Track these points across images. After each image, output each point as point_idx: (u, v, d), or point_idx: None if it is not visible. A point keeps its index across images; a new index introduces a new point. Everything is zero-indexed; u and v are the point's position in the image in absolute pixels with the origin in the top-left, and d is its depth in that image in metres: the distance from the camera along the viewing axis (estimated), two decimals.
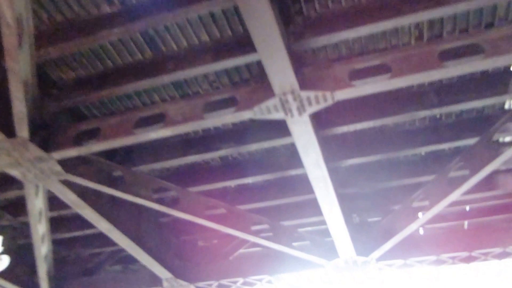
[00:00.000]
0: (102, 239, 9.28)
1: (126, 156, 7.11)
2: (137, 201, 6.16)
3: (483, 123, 6.50)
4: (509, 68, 5.57)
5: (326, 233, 8.22)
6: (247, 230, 7.07)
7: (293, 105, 4.04)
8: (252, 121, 6.23)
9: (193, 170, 7.66)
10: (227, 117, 4.45)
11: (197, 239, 9.24)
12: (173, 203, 6.47)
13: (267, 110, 4.16)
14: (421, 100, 5.98)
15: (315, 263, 8.07)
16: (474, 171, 5.76)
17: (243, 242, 8.87)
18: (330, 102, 4.03)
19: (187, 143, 6.89)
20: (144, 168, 7.03)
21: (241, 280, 8.52)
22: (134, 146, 7.04)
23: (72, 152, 5.01)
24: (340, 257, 7.60)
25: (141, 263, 8.36)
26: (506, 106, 6.30)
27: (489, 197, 8.07)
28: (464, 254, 7.70)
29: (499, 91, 5.70)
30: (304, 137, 4.86)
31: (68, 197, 6.06)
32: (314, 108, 4.17)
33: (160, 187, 6.49)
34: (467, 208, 8.04)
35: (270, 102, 4.13)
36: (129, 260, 9.64)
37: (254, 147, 6.55)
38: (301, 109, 4.11)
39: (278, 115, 4.25)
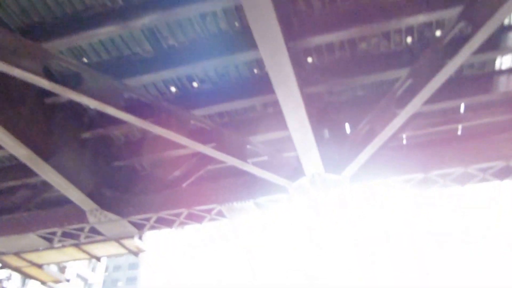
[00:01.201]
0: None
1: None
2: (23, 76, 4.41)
3: None
4: None
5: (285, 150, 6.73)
6: (190, 136, 5.48)
7: None
8: None
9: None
10: None
11: (135, 165, 7.57)
12: (76, 82, 4.76)
13: None
14: None
15: (275, 186, 6.56)
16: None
17: (191, 171, 7.27)
18: None
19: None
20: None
21: (185, 212, 6.96)
22: None
23: None
24: (306, 175, 6.09)
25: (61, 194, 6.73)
26: None
27: (488, 104, 6.67)
28: (458, 170, 6.29)
29: None
30: None
31: None
32: None
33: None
34: (461, 109, 6.58)
35: None
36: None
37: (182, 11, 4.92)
38: None
39: None
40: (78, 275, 44.33)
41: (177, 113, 5.66)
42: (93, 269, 47.68)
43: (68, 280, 9.97)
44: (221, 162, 7.13)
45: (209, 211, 6.91)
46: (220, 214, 6.96)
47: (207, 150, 5.63)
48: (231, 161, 5.84)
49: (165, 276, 66.64)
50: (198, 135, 5.79)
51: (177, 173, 7.23)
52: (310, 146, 5.57)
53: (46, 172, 6.03)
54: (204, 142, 5.66)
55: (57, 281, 9.50)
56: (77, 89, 4.72)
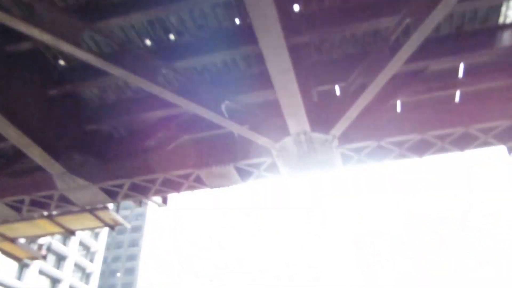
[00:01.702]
0: None
1: None
2: None
3: None
4: None
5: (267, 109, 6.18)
6: (154, 79, 4.95)
7: None
8: None
9: None
10: None
11: (109, 129, 7.03)
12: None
13: None
14: None
15: (257, 149, 6.03)
16: None
17: (170, 137, 6.74)
18: None
19: None
20: None
21: (161, 177, 6.43)
22: None
23: None
24: (291, 134, 5.55)
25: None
26: None
27: (488, 63, 6.09)
28: (458, 131, 5.73)
29: None
30: None
31: None
32: None
33: None
34: (461, 66, 6.00)
35: None
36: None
37: None
38: None
39: None
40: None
41: (149, 62, 5.14)
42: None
43: (44, 257, 9.43)
44: (202, 129, 6.64)
45: (186, 177, 6.39)
46: (199, 180, 6.43)
47: (181, 101, 5.10)
48: (208, 115, 5.31)
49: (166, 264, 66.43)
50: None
51: (154, 138, 6.71)
52: (297, 107, 5.05)
53: (5, 128, 5.51)
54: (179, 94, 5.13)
55: (33, 258, 9.00)
56: (29, 20, 4.19)
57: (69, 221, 7.60)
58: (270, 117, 5.82)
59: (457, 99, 6.21)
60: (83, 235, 43.03)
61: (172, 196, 8.33)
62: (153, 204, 8.45)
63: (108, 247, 59.79)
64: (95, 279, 44.04)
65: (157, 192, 6.62)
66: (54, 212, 7.39)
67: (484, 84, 5.89)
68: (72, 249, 41.06)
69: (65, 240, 40.65)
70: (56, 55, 6.13)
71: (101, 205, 7.20)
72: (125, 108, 6.70)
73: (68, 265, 39.20)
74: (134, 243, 61.59)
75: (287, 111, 5.16)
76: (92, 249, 45.75)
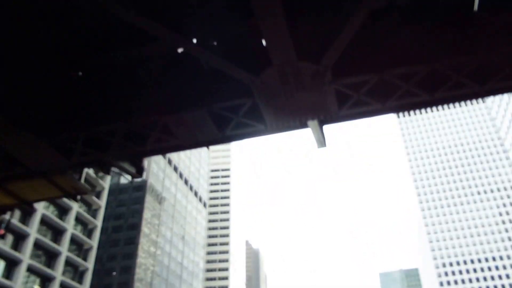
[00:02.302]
0: None
1: None
2: None
3: None
4: None
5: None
6: None
7: None
8: None
9: None
10: None
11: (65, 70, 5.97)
12: None
13: None
14: None
15: (235, 88, 5.01)
16: None
17: (136, 79, 5.70)
18: None
19: None
20: None
21: (122, 128, 5.40)
22: None
23: None
24: (274, 65, 4.54)
25: None
26: None
27: None
28: (473, 63, 4.70)
29: None
30: None
31: None
32: None
33: None
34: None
35: None
36: None
37: None
38: None
39: None
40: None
41: None
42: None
43: (2, 236, 8.42)
44: (170, 71, 5.61)
45: (152, 126, 5.37)
46: (167, 130, 5.40)
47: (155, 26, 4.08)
48: (178, 41, 4.29)
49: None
50: None
51: (112, 79, 5.67)
52: (281, 30, 4.04)
53: None
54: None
55: None
56: None
57: (23, 189, 6.60)
58: (250, 47, 4.83)
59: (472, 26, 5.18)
60: (75, 232, 42.03)
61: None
62: (126, 175, 7.40)
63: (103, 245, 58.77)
64: (88, 277, 43.22)
65: (118, 148, 5.59)
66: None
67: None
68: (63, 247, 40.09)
69: (56, 237, 39.61)
70: None
71: (56, 168, 6.16)
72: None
73: (59, 262, 38.30)
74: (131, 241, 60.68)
75: (269, 37, 4.16)
76: (86, 246, 44.82)
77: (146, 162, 61.37)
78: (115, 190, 62.54)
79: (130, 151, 5.69)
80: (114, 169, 6.65)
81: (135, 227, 60.71)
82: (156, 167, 64.91)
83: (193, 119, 5.17)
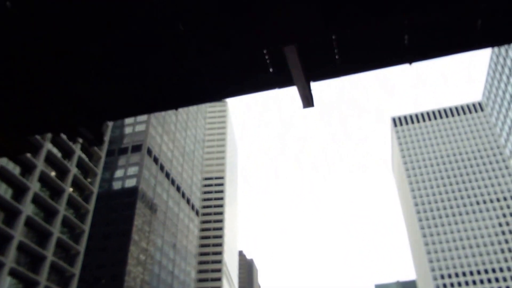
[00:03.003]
0: None
1: None
2: None
3: None
4: None
5: None
6: None
7: None
8: None
9: None
10: None
11: None
12: None
13: None
14: None
15: None
16: None
17: None
18: None
19: None
20: None
21: None
22: None
23: None
24: None
25: None
26: None
27: None
28: None
29: None
30: None
31: None
32: None
33: None
34: None
35: None
36: None
37: None
38: None
39: None
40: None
41: None
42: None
43: None
44: None
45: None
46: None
47: None
48: None
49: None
50: None
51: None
52: None
53: None
54: None
55: None
56: None
57: None
58: None
59: None
60: (62, 237, 41.09)
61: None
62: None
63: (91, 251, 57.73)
64: (74, 283, 42.18)
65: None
66: None
67: None
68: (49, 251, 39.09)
69: (41, 240, 38.58)
70: None
71: None
72: None
73: (44, 267, 37.28)
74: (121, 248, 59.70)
75: None
76: (73, 251, 43.87)
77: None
78: (106, 195, 61.60)
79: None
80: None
81: (125, 234, 59.62)
82: (147, 173, 64.09)
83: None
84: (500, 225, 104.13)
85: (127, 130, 68.34)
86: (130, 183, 62.48)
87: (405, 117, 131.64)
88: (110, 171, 64.50)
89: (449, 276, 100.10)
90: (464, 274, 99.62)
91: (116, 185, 63.88)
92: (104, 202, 60.86)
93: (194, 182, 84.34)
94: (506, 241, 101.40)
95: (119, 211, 61.01)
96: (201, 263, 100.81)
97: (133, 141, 66.23)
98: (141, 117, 69.59)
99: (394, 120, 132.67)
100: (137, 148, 65.04)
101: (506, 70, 64.03)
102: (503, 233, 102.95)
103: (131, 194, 61.17)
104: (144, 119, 68.67)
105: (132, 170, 63.51)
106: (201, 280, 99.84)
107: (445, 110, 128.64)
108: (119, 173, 63.91)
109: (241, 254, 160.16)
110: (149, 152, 65.50)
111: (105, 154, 53.79)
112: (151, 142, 66.88)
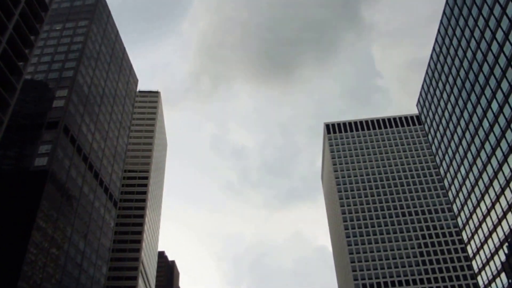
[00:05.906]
0: None
1: None
2: None
3: None
4: None
5: None
6: None
7: None
8: None
9: None
10: None
11: None
12: None
13: None
14: None
15: None
16: None
17: None
18: None
19: None
20: None
21: None
22: None
23: None
24: None
25: None
26: None
27: None
28: None
29: None
30: None
31: None
32: None
33: None
34: None
35: None
36: None
37: None
38: None
39: None
40: None
41: None
42: None
43: None
44: None
45: None
46: None
47: None
48: None
49: None
50: None
51: None
52: None
53: None
54: None
55: None
56: None
57: None
58: None
59: None
60: None
61: None
62: None
63: None
64: None
65: None
66: None
67: None
68: None
69: None
70: None
71: None
72: None
73: None
74: None
75: None
76: None
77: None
78: (11, 173, 55.01)
79: None
80: None
81: (28, 217, 53.08)
82: (62, 153, 57.98)
83: None
84: (424, 237, 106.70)
85: (44, 105, 61.87)
86: (40, 162, 56.20)
87: (338, 124, 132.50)
88: (18, 148, 57.83)
89: (371, 285, 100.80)
90: (386, 284, 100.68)
91: (24, 163, 57.20)
92: (9, 180, 54.19)
93: (115, 170, 78.70)
94: (428, 253, 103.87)
95: (24, 192, 54.40)
96: (116, 259, 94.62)
97: (49, 117, 59.86)
98: (61, 91, 63.24)
99: (328, 126, 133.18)
100: (52, 125, 58.83)
101: (440, 85, 64.58)
102: (426, 245, 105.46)
103: (40, 174, 54.86)
104: (64, 94, 62.56)
105: (44, 149, 57.29)
106: (114, 278, 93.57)
107: (383, 120, 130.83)
108: (28, 150, 57.43)
109: (162, 255, 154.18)
110: (66, 131, 59.61)
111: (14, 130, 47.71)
112: (70, 120, 60.95)
